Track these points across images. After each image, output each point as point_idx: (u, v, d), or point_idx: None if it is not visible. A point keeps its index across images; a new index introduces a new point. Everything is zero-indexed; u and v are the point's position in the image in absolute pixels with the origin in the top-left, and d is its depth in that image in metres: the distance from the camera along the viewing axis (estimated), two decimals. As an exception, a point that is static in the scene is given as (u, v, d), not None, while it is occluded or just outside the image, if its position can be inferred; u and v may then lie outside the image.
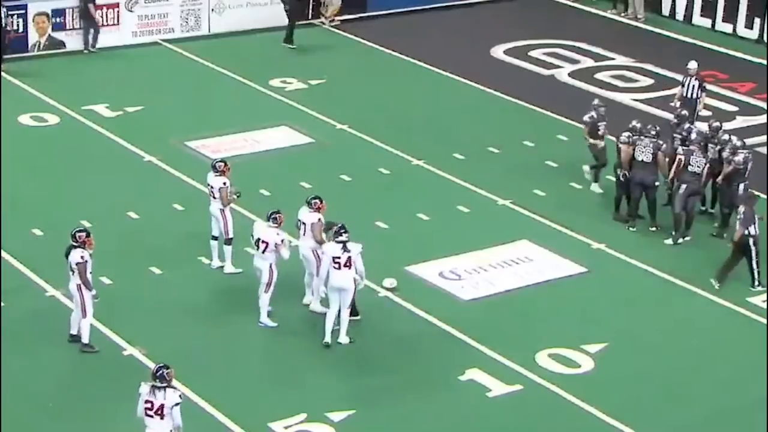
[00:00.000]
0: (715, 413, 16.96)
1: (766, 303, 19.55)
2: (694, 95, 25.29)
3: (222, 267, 20.02)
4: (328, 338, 18.02)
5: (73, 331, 17.82)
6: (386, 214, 21.96)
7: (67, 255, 17.37)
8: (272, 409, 16.62)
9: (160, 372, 14.53)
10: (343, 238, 17.84)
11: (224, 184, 19.72)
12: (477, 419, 16.72)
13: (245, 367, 17.71)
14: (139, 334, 17.96)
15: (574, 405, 17.05)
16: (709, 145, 22.10)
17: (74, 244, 17.34)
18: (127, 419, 15.01)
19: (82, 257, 17.19)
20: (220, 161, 20.08)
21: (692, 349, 18.53)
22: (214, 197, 19.84)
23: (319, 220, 18.61)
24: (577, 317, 19.26)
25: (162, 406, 14.43)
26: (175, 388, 14.62)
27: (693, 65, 25.41)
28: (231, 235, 19.81)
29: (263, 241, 18.37)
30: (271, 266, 18.40)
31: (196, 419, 16.11)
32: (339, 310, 17.98)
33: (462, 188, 23.18)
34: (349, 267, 17.81)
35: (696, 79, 25.30)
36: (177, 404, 14.50)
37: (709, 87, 26.12)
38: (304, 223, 18.73)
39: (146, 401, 14.47)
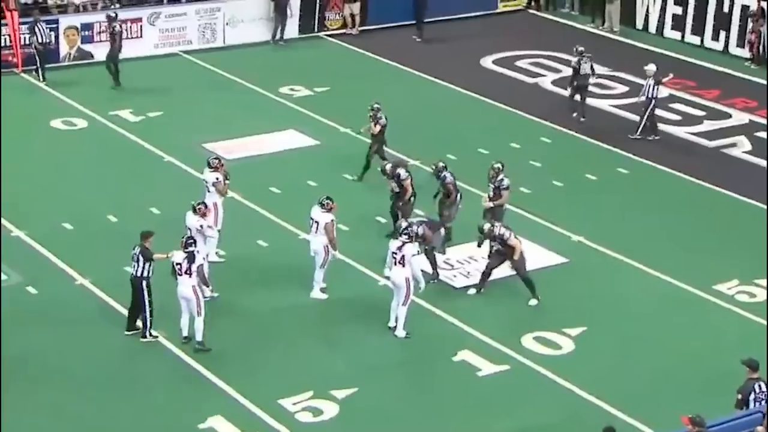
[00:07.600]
0: (684, 387, 16.99)
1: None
2: (650, 95, 25.33)
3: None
4: (392, 322, 18.15)
5: (185, 334, 17.60)
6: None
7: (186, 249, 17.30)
8: (281, 387, 16.67)
9: None
10: (404, 238, 17.90)
11: (217, 179, 19.73)
12: (469, 396, 16.81)
13: (256, 348, 17.74)
14: (162, 320, 17.91)
15: (556, 383, 17.13)
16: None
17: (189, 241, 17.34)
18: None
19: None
20: (215, 158, 20.20)
21: (661, 331, 18.57)
22: (209, 191, 19.82)
23: (332, 220, 18.64)
24: (559, 303, 19.31)
25: None
26: None
27: (651, 67, 25.38)
28: (220, 227, 19.69)
29: (315, 221, 18.56)
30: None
31: (208, 393, 16.18)
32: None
33: (454, 186, 23.12)
34: (403, 265, 17.81)
35: (654, 80, 25.29)
36: None
37: (678, 94, 25.96)
38: (316, 222, 18.73)
39: None
